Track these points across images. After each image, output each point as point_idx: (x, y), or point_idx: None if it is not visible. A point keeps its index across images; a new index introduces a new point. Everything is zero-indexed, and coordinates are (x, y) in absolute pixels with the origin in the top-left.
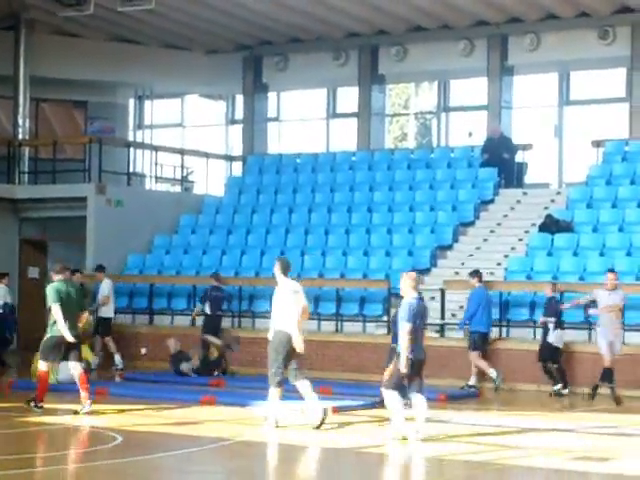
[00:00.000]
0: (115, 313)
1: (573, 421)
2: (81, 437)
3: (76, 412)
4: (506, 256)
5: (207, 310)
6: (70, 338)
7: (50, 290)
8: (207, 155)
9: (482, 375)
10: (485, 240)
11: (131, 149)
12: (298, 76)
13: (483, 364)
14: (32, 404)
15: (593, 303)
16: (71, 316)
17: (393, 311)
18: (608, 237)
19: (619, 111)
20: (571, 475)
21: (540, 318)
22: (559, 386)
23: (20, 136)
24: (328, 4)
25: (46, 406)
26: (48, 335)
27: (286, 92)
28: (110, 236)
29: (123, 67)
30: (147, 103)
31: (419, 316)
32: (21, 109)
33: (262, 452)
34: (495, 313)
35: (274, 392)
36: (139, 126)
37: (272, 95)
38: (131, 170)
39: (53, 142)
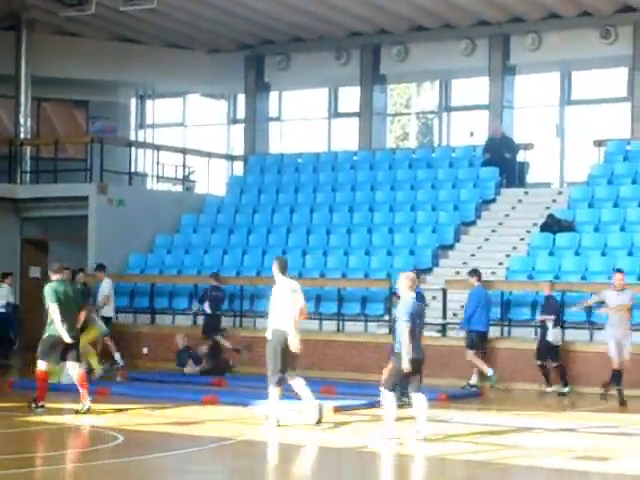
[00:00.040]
0: (115, 312)
1: (574, 421)
2: (82, 437)
3: (77, 412)
4: (508, 256)
5: (207, 310)
6: (67, 339)
7: (48, 290)
8: (209, 155)
9: (483, 374)
10: (487, 240)
11: (133, 149)
12: (300, 75)
13: (479, 363)
14: (33, 405)
15: (602, 304)
16: (69, 316)
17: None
18: (610, 237)
19: (621, 111)
20: (572, 475)
21: (538, 316)
22: (551, 388)
23: (22, 135)
24: (330, 3)
25: (48, 405)
26: (46, 335)
27: (288, 91)
28: (111, 236)
29: (125, 66)
30: (149, 102)
31: (417, 315)
32: (22, 108)
33: (263, 452)
34: (497, 313)
35: (274, 391)
36: (141, 125)
37: (274, 94)
38: (133, 170)
39: (55, 142)
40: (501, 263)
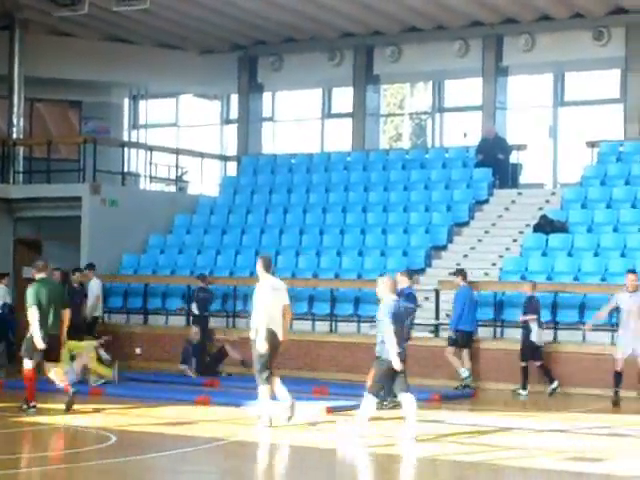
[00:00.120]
0: (103, 312)
1: (567, 421)
2: (75, 437)
3: (68, 408)
4: (501, 256)
5: (195, 311)
6: (40, 345)
7: (29, 292)
8: (202, 155)
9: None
10: (480, 240)
11: (126, 149)
12: (293, 76)
13: (456, 361)
14: (25, 406)
15: (616, 309)
16: (54, 314)
17: None
18: (603, 237)
19: (614, 112)
20: (564, 476)
21: (520, 317)
22: (526, 391)
23: (15, 136)
24: (323, 4)
25: (40, 406)
26: (29, 334)
27: (281, 92)
28: (105, 236)
29: (118, 67)
30: (142, 103)
31: (399, 317)
32: (16, 109)
33: (256, 452)
34: (489, 313)
35: (264, 390)
36: (134, 126)
37: (267, 95)
38: (126, 170)
39: (48, 142)
40: (494, 264)
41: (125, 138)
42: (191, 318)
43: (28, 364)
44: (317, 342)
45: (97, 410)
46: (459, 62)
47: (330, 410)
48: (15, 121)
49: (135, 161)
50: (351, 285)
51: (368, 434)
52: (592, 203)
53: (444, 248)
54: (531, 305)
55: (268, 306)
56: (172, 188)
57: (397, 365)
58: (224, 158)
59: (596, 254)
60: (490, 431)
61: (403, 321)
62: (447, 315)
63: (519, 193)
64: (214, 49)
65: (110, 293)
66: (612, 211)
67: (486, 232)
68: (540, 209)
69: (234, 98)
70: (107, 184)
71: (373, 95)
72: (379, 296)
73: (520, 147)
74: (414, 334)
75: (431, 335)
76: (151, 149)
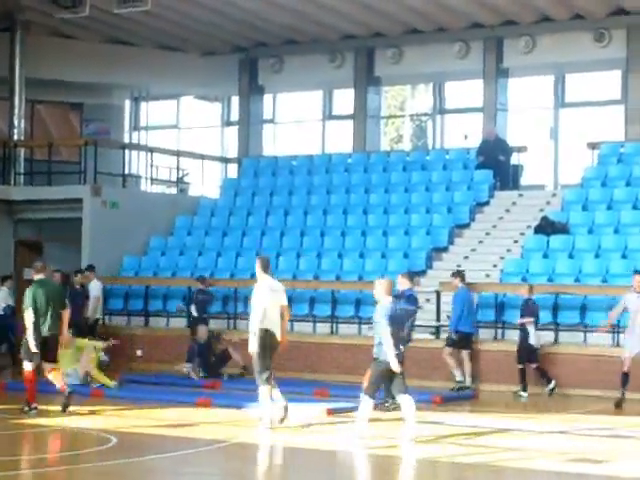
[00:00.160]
0: (103, 314)
1: (567, 423)
2: (75, 439)
3: (64, 409)
4: (502, 258)
5: (194, 313)
6: (34, 348)
7: (27, 294)
8: (202, 157)
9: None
10: (480, 242)
11: (126, 151)
12: (294, 78)
13: (452, 363)
14: (26, 407)
15: (625, 310)
16: (53, 314)
17: None
18: (603, 239)
19: (614, 113)
20: (565, 477)
21: (518, 320)
22: (526, 393)
23: (15, 137)
24: (324, 6)
25: (41, 407)
26: (27, 337)
27: (282, 94)
28: (105, 238)
29: (119, 69)
30: (143, 105)
31: (396, 319)
32: (17, 110)
33: (257, 454)
34: (490, 315)
35: (264, 390)
36: (135, 128)
37: (268, 97)
38: (126, 172)
39: (49, 144)
40: (495, 265)
41: (126, 140)
42: (191, 320)
43: (28, 366)
44: (318, 344)
45: (97, 412)
46: (460, 64)
47: (331, 412)
48: (16, 123)
49: (136, 163)
50: (352, 287)
51: (368, 436)
52: (593, 204)
53: (445, 250)
54: (528, 308)
55: (266, 307)
56: (173, 190)
57: (395, 367)
58: (225, 160)
59: (597, 255)
60: (490, 432)
61: (400, 323)
62: (448, 317)
63: (520, 195)
64: (215, 51)
65: (111, 295)
66: (613, 212)
67: (487, 234)
68: (541, 210)
69: (235, 100)
70: (108, 186)
71: (374, 97)
72: (376, 298)
73: (521, 149)
74: (415, 336)
75: (432, 337)
76: (152, 151)
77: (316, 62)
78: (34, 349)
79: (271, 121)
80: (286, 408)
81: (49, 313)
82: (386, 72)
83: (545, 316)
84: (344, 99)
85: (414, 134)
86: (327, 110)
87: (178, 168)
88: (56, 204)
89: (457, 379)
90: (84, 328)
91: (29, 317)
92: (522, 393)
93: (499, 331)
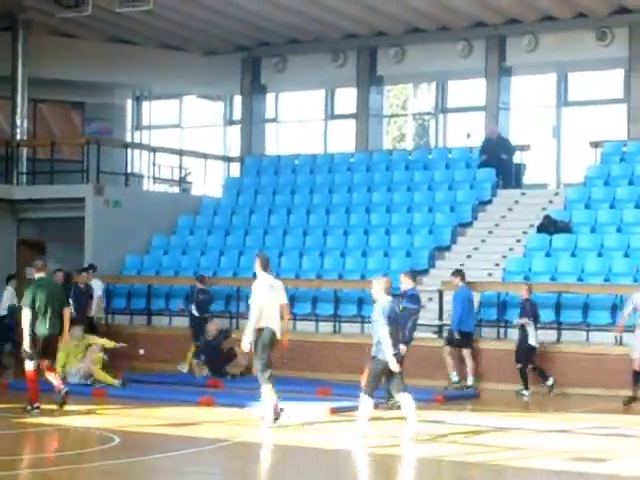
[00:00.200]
0: (106, 313)
1: (569, 422)
2: (78, 438)
3: (61, 405)
4: (504, 257)
5: (194, 312)
6: (27, 347)
7: (26, 293)
8: (205, 156)
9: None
10: (483, 241)
11: (129, 150)
12: (296, 77)
13: (449, 364)
14: (29, 407)
15: (634, 309)
16: (53, 313)
17: None
18: (606, 238)
19: (617, 112)
20: (567, 476)
21: (517, 320)
22: (529, 391)
23: (18, 137)
24: (326, 5)
25: (44, 407)
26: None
27: (284, 93)
28: (108, 237)
29: (121, 68)
30: (145, 104)
31: (394, 318)
32: (19, 110)
33: (260, 453)
34: (492, 314)
35: (267, 389)
36: (137, 127)
37: (270, 96)
38: (129, 171)
39: (51, 143)
40: (498, 264)
41: (128, 139)
42: (192, 320)
43: (29, 365)
44: (321, 343)
45: (100, 411)
46: (462, 63)
47: (334, 411)
48: (18, 122)
49: (138, 162)
50: (355, 286)
51: (369, 434)
52: (595, 203)
53: (448, 249)
54: (526, 308)
55: (264, 305)
56: (175, 189)
57: (394, 366)
58: (227, 159)
59: (600, 254)
60: (492, 431)
61: (398, 322)
62: (449, 316)
63: (522, 193)
64: (217, 50)
65: (113, 294)
66: (615, 211)
67: (490, 232)
68: (543, 209)
69: (237, 99)
70: (110, 185)
71: (376, 96)
72: (374, 297)
73: (523, 147)
74: (417, 335)
75: (434, 336)
76: (154, 150)
77: (318, 61)
78: (27, 349)
79: (274, 120)
80: (278, 408)
81: (49, 312)
82: (389, 71)
83: (547, 315)
84: (346, 98)
85: (417, 133)
86: (330, 109)
87: (180, 167)
88: (58, 203)
89: (453, 380)
90: (87, 327)
91: (25, 316)
92: (524, 392)
93: (501, 330)
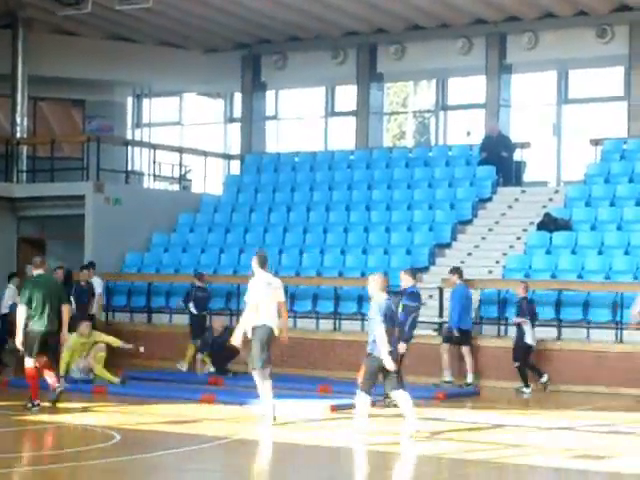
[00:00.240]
0: (105, 311)
1: (570, 419)
2: (79, 435)
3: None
4: (504, 254)
5: (193, 310)
6: (19, 345)
7: (23, 290)
8: (205, 153)
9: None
10: (483, 238)
11: (129, 147)
12: (296, 74)
13: (445, 361)
14: (29, 404)
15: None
16: (51, 310)
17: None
18: (606, 235)
19: (617, 110)
20: (569, 473)
21: (514, 319)
22: (529, 389)
23: (18, 134)
24: (326, 3)
25: (44, 404)
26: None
27: (284, 90)
28: (108, 234)
29: (121, 65)
30: (145, 101)
31: (390, 315)
32: (19, 107)
33: (260, 450)
34: (493, 311)
35: (267, 386)
36: (137, 124)
37: (270, 93)
38: (129, 168)
39: (51, 140)
40: (498, 262)
41: (129, 137)
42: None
43: (29, 362)
44: (321, 340)
45: (100, 409)
46: (463, 60)
47: (335, 408)
48: (19, 120)
49: (139, 160)
50: (355, 283)
51: (368, 432)
52: (596, 201)
53: (448, 246)
54: (522, 307)
55: (260, 302)
56: (176, 187)
57: (389, 365)
58: (228, 157)
59: (600, 252)
60: (492, 429)
61: (395, 320)
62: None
63: (523, 191)
64: (217, 48)
65: (114, 292)
66: (616, 209)
67: (490, 230)
68: (544, 207)
69: (237, 97)
70: (111, 183)
71: (377, 93)
72: (370, 294)
73: (524, 145)
74: (417, 332)
75: (434, 333)
76: (154, 148)
77: (318, 59)
78: (20, 346)
79: (274, 118)
80: (274, 407)
81: (46, 309)
82: (389, 68)
83: (548, 312)
84: (347, 95)
85: (417, 130)
86: (330, 107)
87: (181, 165)
88: (59, 201)
89: (446, 379)
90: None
91: (20, 313)
92: (524, 389)
93: (502, 327)
